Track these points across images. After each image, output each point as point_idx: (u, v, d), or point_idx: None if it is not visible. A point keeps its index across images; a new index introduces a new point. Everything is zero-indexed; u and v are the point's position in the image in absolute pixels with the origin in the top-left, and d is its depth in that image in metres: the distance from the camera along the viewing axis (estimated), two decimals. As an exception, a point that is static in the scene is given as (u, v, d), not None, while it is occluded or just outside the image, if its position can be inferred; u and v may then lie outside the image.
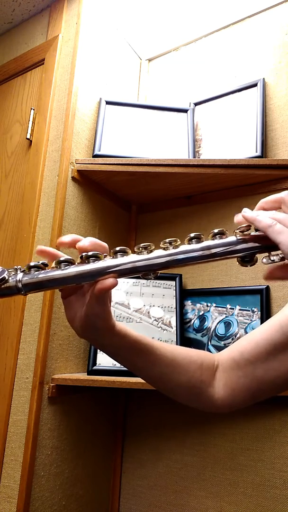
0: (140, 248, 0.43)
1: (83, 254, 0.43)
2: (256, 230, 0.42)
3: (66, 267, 0.43)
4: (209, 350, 1.02)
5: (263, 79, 1.16)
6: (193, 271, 1.14)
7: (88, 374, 0.97)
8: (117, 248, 0.44)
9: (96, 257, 0.43)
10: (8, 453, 0.90)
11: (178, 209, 1.23)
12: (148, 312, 1.05)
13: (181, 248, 0.43)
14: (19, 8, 1.30)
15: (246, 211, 0.43)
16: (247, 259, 0.43)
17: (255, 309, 0.99)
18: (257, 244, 0.42)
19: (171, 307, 1.07)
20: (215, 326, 1.03)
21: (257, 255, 0.44)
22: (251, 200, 1.11)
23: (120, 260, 0.43)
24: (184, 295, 1.11)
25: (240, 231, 0.43)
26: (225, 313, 1.03)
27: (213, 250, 0.42)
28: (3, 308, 1.03)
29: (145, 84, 1.44)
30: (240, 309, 1.02)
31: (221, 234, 0.43)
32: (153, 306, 1.06)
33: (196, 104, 1.26)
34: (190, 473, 1.02)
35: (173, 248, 0.43)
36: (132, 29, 1.37)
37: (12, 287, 0.42)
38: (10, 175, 1.17)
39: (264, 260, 0.43)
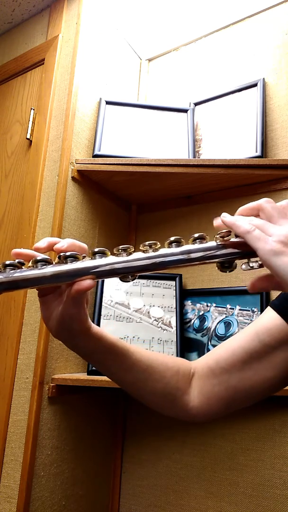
0: (120, 250, 0.43)
1: (61, 254, 0.42)
2: (236, 236, 0.42)
3: (43, 267, 0.42)
4: (209, 350, 1.02)
5: (263, 79, 1.16)
6: (193, 271, 1.14)
7: (88, 374, 0.97)
8: (96, 250, 0.43)
9: (74, 258, 0.42)
10: (8, 453, 0.90)
11: (178, 209, 1.23)
12: (148, 312, 1.05)
13: (160, 251, 0.42)
14: (19, 8, 1.30)
15: (225, 216, 0.42)
16: (227, 265, 0.43)
17: (255, 309, 0.99)
18: (236, 250, 0.42)
19: (171, 307, 1.07)
20: (215, 326, 1.03)
21: (237, 261, 0.43)
22: (251, 200, 1.10)
23: (98, 261, 0.42)
24: (184, 295, 1.11)
25: (220, 236, 0.42)
26: (225, 313, 1.03)
27: (193, 255, 0.42)
28: (3, 308, 1.03)
29: (145, 84, 1.44)
30: (240, 309, 1.02)
31: (202, 238, 0.42)
32: (153, 306, 1.06)
33: (196, 104, 1.26)
34: (190, 473, 1.02)
35: (152, 251, 0.42)
36: (132, 29, 1.37)
37: None
38: (10, 175, 1.17)
39: (244, 266, 0.42)
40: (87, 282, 0.41)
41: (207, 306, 1.07)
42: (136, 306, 1.06)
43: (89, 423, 1.05)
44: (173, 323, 1.05)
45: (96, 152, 1.12)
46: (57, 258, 0.43)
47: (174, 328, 1.04)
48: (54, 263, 0.42)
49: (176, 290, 1.09)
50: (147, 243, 0.42)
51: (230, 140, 1.15)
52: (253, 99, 1.15)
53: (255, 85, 1.16)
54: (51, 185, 1.05)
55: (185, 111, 1.23)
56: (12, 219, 1.11)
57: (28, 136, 1.13)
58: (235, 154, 1.11)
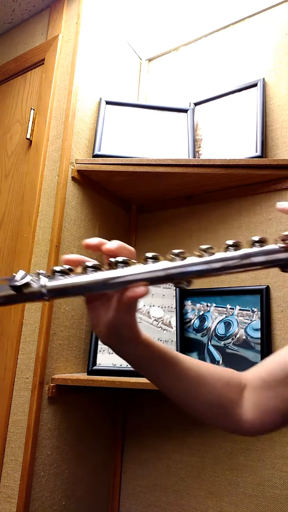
0: (173, 255, 0.40)
1: (112, 259, 0.41)
2: None
3: (93, 273, 0.40)
4: (209, 350, 1.02)
5: (263, 79, 1.16)
6: (193, 271, 1.14)
7: (88, 374, 0.97)
8: (149, 254, 0.40)
9: (126, 263, 0.40)
10: (8, 453, 0.90)
11: (178, 209, 1.23)
12: (148, 312, 1.05)
13: (217, 255, 0.40)
14: (19, 8, 1.30)
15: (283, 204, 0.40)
16: None
17: (255, 309, 0.99)
18: None
19: (171, 307, 1.07)
20: (215, 326, 1.03)
21: None
22: (251, 200, 1.11)
23: (153, 266, 0.40)
24: (184, 295, 1.11)
25: (282, 240, 0.39)
26: (225, 313, 1.03)
27: (254, 259, 0.39)
28: (3, 308, 1.03)
29: (145, 84, 1.44)
30: (240, 309, 1.02)
31: (262, 242, 0.40)
32: (153, 306, 1.06)
33: (196, 104, 1.26)
34: (190, 473, 1.02)
35: (208, 255, 0.40)
36: (132, 29, 1.37)
37: (35, 293, 0.39)
38: (10, 175, 1.17)
39: None
40: (141, 289, 0.39)
41: (207, 306, 1.07)
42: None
43: (89, 423, 1.05)
44: (173, 323, 1.05)
45: (96, 152, 1.12)
46: (106, 264, 0.41)
47: (174, 328, 1.04)
48: (104, 269, 0.40)
49: (176, 290, 1.09)
50: (202, 247, 0.40)
51: (230, 140, 1.15)
52: (253, 99, 1.15)
53: (255, 85, 1.16)
54: (51, 185, 1.05)
55: (185, 111, 1.23)
56: (12, 219, 1.11)
57: (28, 136, 1.13)
58: (235, 154, 1.11)
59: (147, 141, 1.19)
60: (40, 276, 0.40)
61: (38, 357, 0.92)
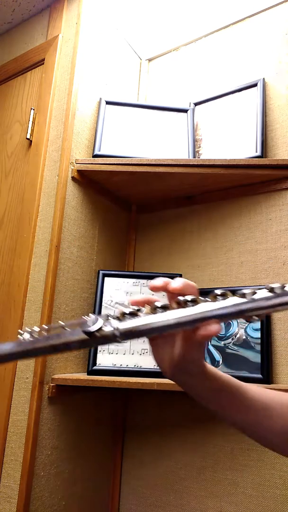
0: (244, 293, 0.40)
1: (180, 298, 0.40)
2: None
3: (163, 313, 0.40)
4: (209, 350, 1.02)
5: (263, 79, 1.16)
6: (193, 271, 1.14)
7: (88, 374, 0.97)
8: (218, 292, 0.41)
9: (195, 301, 0.40)
10: (8, 453, 0.90)
11: (178, 209, 1.23)
12: (148, 312, 1.05)
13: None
14: (19, 8, 1.30)
15: None
16: None
17: (255, 309, 0.99)
18: None
19: (171, 307, 1.06)
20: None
21: None
22: (251, 200, 1.11)
23: (223, 303, 0.40)
24: (184, 295, 1.10)
25: None
26: (225, 313, 1.03)
27: None
28: (3, 308, 1.03)
29: (145, 84, 1.44)
30: (240, 309, 1.01)
31: None
32: (153, 306, 1.06)
33: (196, 104, 1.26)
34: (190, 473, 1.02)
35: (280, 289, 0.39)
36: (132, 29, 1.37)
37: (109, 336, 0.39)
38: (10, 175, 1.17)
39: None
40: (215, 327, 0.39)
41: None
42: (136, 306, 1.06)
43: (89, 423, 1.05)
44: (173, 323, 1.05)
45: (96, 152, 1.12)
46: (174, 303, 0.41)
47: (174, 328, 1.04)
48: (172, 308, 0.41)
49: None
50: (274, 285, 0.40)
51: (230, 140, 1.15)
52: (253, 99, 1.15)
53: (255, 85, 1.16)
54: (51, 185, 1.05)
55: (185, 111, 1.23)
56: (12, 219, 1.11)
57: (28, 136, 1.13)
58: (235, 154, 1.11)
59: (147, 141, 1.19)
60: (109, 318, 0.40)
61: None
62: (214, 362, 1.00)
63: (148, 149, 1.17)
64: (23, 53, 1.29)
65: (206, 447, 1.01)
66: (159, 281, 0.43)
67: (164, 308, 0.40)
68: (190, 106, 1.25)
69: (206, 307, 0.40)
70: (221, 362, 0.99)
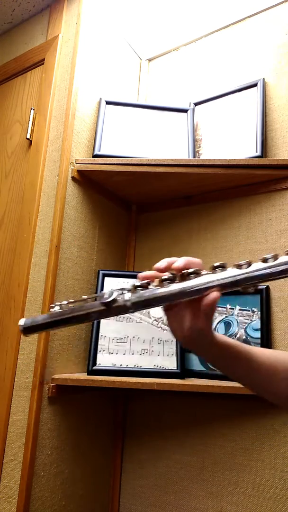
0: (240, 264, 0.45)
1: (184, 271, 0.46)
2: None
3: (169, 285, 0.45)
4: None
5: (263, 79, 1.16)
6: (193, 271, 1.14)
7: (88, 374, 0.97)
8: (216, 264, 0.46)
9: (196, 273, 0.45)
10: (8, 453, 0.90)
11: (178, 209, 1.23)
12: (148, 312, 1.05)
13: (280, 259, 0.44)
14: (19, 8, 1.30)
15: None
16: None
17: (255, 309, 0.99)
18: None
19: (171, 307, 1.07)
20: (215, 326, 1.03)
21: None
22: (251, 200, 1.11)
23: (222, 274, 0.45)
24: (184, 295, 1.10)
25: None
26: (225, 313, 1.03)
27: None
28: (3, 308, 1.03)
29: (145, 84, 1.44)
30: (240, 309, 1.02)
31: None
32: (153, 306, 1.06)
33: (196, 104, 1.26)
34: (190, 473, 1.02)
35: (273, 260, 0.44)
36: (132, 29, 1.37)
37: (122, 307, 0.45)
38: (10, 175, 1.17)
39: None
40: (214, 294, 0.44)
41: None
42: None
43: (89, 423, 1.05)
44: (173, 323, 1.05)
45: (96, 152, 1.12)
46: (179, 276, 0.46)
47: (174, 328, 1.04)
48: (177, 281, 0.46)
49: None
50: (268, 255, 0.44)
51: (230, 140, 1.15)
52: (253, 99, 1.15)
53: (255, 85, 1.16)
54: (51, 185, 1.05)
55: (185, 111, 1.23)
56: (12, 219, 1.11)
57: (28, 136, 1.13)
58: (235, 154, 1.11)
59: (147, 141, 1.19)
60: (124, 292, 0.46)
61: (38, 357, 0.92)
62: (214, 362, 1.00)
63: (148, 149, 1.17)
64: (23, 53, 1.29)
65: (206, 447, 1.01)
66: (162, 262, 0.47)
67: (170, 280, 0.46)
68: (190, 106, 1.25)
69: (207, 278, 0.45)
70: (221, 362, 0.99)
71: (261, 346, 0.95)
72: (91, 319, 0.47)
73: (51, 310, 0.48)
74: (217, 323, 1.03)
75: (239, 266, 0.44)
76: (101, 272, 1.09)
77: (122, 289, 0.47)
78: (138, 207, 1.30)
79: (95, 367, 0.98)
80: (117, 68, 1.33)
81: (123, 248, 1.26)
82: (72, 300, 0.49)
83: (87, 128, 1.14)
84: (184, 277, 0.45)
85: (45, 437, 0.90)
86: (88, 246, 1.10)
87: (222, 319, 1.03)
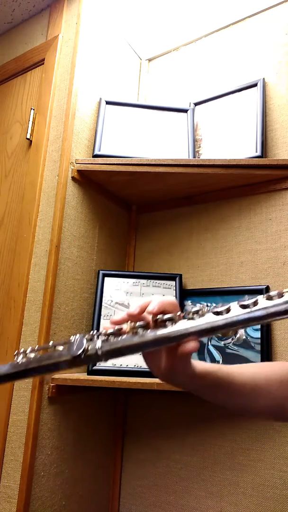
0: (217, 310, 0.43)
1: (158, 317, 0.44)
2: None
3: (143, 332, 0.43)
4: (209, 350, 1.02)
5: (263, 79, 1.16)
6: (193, 271, 1.14)
7: (88, 374, 0.97)
8: (194, 309, 0.44)
9: (171, 320, 0.43)
10: (8, 453, 0.90)
11: (178, 209, 1.23)
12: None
13: (260, 305, 0.42)
14: (19, 8, 1.30)
15: None
16: None
17: (255, 309, 0.99)
18: None
19: (171, 307, 1.06)
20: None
21: None
22: (251, 200, 1.11)
23: (198, 321, 0.43)
24: (184, 295, 1.11)
25: None
26: (225, 313, 1.03)
27: None
28: (3, 308, 1.03)
29: (145, 84, 1.44)
30: (240, 309, 1.01)
31: None
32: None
33: (196, 104, 1.26)
34: (190, 473, 1.02)
35: (253, 306, 0.42)
36: (132, 29, 1.37)
37: (92, 356, 0.43)
38: (10, 175, 1.17)
39: None
40: (192, 345, 0.42)
41: (207, 306, 1.07)
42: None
43: (89, 423, 1.05)
44: (173, 323, 1.05)
45: (96, 152, 1.12)
46: (152, 321, 0.44)
47: (174, 328, 1.04)
48: (152, 327, 0.44)
49: (176, 290, 1.09)
50: (246, 302, 0.42)
51: (230, 140, 1.15)
52: (253, 99, 1.15)
53: (255, 85, 1.16)
54: (51, 185, 1.05)
55: (185, 111, 1.23)
56: (12, 219, 1.11)
57: (28, 136, 1.13)
58: (235, 154, 1.11)
59: (147, 141, 1.19)
60: (95, 338, 0.44)
61: (38, 357, 0.92)
62: (214, 362, 1.00)
63: (148, 149, 1.17)
64: (23, 53, 1.29)
65: (206, 447, 1.01)
66: (136, 308, 0.45)
67: (144, 327, 0.43)
68: (190, 106, 1.25)
69: (183, 325, 0.43)
70: (221, 362, 0.99)
71: (261, 346, 0.95)
72: (60, 369, 0.44)
73: (15, 359, 0.45)
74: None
75: (217, 313, 0.42)
76: (101, 272, 1.09)
77: (93, 334, 0.44)
78: (138, 207, 1.30)
79: (95, 367, 0.98)
80: (117, 68, 1.33)
81: (123, 248, 1.26)
82: (37, 347, 0.46)
83: (87, 128, 1.14)
84: (159, 323, 0.43)
85: (45, 437, 0.90)
86: (88, 246, 1.10)
87: (222, 319, 1.03)
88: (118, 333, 0.44)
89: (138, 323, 0.44)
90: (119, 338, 0.43)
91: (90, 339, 0.44)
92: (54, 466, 0.92)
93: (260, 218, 1.08)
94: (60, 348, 0.45)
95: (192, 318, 0.43)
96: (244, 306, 0.42)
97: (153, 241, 1.24)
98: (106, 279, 1.08)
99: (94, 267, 1.11)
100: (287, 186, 1.05)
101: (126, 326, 0.44)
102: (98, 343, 0.43)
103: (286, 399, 0.54)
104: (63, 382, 0.92)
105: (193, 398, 1.05)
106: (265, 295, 0.42)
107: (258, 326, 0.97)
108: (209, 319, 0.42)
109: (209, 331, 0.42)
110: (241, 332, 0.99)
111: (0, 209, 1.15)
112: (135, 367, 0.99)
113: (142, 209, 1.30)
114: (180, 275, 1.11)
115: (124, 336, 0.43)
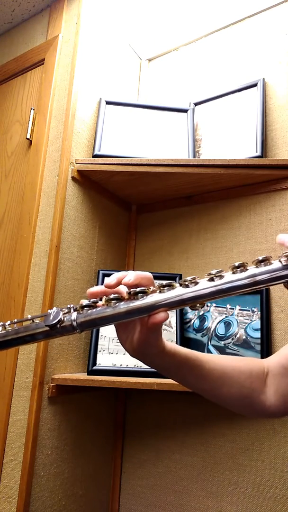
0: (186, 282, 0.44)
1: (131, 290, 0.45)
2: None
3: (116, 304, 0.45)
4: (209, 350, 1.02)
5: (263, 79, 1.16)
6: (193, 270, 1.14)
7: (88, 374, 0.97)
8: (164, 283, 0.46)
9: (144, 293, 0.45)
10: (8, 453, 0.90)
11: (178, 209, 1.23)
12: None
13: (226, 278, 0.44)
14: (19, 8, 1.30)
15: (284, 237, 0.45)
16: None
17: (255, 309, 0.99)
18: None
19: (171, 307, 1.06)
20: (215, 326, 1.03)
21: None
22: (251, 200, 1.11)
23: (168, 294, 0.45)
24: (184, 295, 1.10)
25: (285, 256, 0.43)
26: (225, 313, 1.03)
27: (258, 278, 0.43)
28: (3, 308, 1.03)
29: (145, 84, 1.44)
30: (240, 309, 1.02)
31: (266, 261, 0.44)
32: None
33: (196, 104, 1.26)
34: (190, 473, 1.02)
35: (219, 278, 0.44)
36: (132, 29, 1.37)
37: (68, 327, 0.45)
38: (10, 175, 1.17)
39: None
40: (161, 315, 0.44)
41: (207, 306, 1.07)
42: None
43: (89, 423, 1.05)
44: (173, 323, 1.05)
45: (96, 152, 1.12)
46: (126, 294, 0.46)
47: (174, 328, 1.04)
48: (125, 300, 0.45)
49: (176, 290, 1.08)
50: (212, 271, 0.44)
51: (230, 140, 1.15)
52: (253, 99, 1.15)
53: (255, 85, 1.16)
54: (51, 185, 1.05)
55: (185, 111, 1.23)
56: (12, 219, 1.11)
57: (28, 136, 1.13)
58: (235, 154, 1.11)
59: (147, 141, 1.19)
60: (71, 310, 0.46)
61: (38, 357, 0.92)
62: (214, 362, 1.00)
63: (148, 149, 1.17)
64: (23, 53, 1.29)
65: (206, 447, 1.01)
66: (113, 278, 0.46)
67: (118, 300, 0.45)
68: (190, 106, 1.25)
69: (154, 297, 0.45)
70: (221, 362, 0.99)
71: (261, 346, 0.95)
72: (37, 340, 0.47)
73: None
74: (217, 323, 1.03)
75: (185, 285, 0.44)
76: (101, 272, 1.09)
77: (69, 307, 0.46)
78: (138, 207, 1.30)
79: (95, 367, 0.98)
80: (117, 68, 1.33)
81: (123, 248, 1.26)
82: (16, 320, 0.48)
83: (87, 128, 1.14)
84: (132, 296, 0.45)
85: (45, 437, 0.90)
86: (88, 246, 1.10)
87: (222, 319, 1.03)
88: (93, 305, 0.46)
89: (112, 295, 0.45)
90: (94, 310, 0.45)
91: (67, 312, 0.46)
92: (54, 466, 0.92)
93: (260, 218, 1.08)
94: (37, 320, 0.47)
95: (163, 292, 0.45)
96: (211, 279, 0.44)
97: (153, 241, 1.24)
98: (106, 279, 1.08)
99: (94, 267, 1.11)
100: (287, 186, 1.05)
101: (102, 302, 0.46)
102: (74, 315, 0.45)
103: (254, 391, 0.55)
104: (63, 382, 0.92)
105: (193, 398, 1.05)
106: (230, 268, 0.44)
107: (258, 326, 0.97)
108: (178, 292, 0.44)
109: (179, 303, 0.44)
110: (241, 332, 0.99)
111: (0, 209, 1.15)
112: (135, 367, 0.99)
113: (142, 209, 1.30)
114: (180, 275, 1.11)
115: (99, 308, 0.45)
